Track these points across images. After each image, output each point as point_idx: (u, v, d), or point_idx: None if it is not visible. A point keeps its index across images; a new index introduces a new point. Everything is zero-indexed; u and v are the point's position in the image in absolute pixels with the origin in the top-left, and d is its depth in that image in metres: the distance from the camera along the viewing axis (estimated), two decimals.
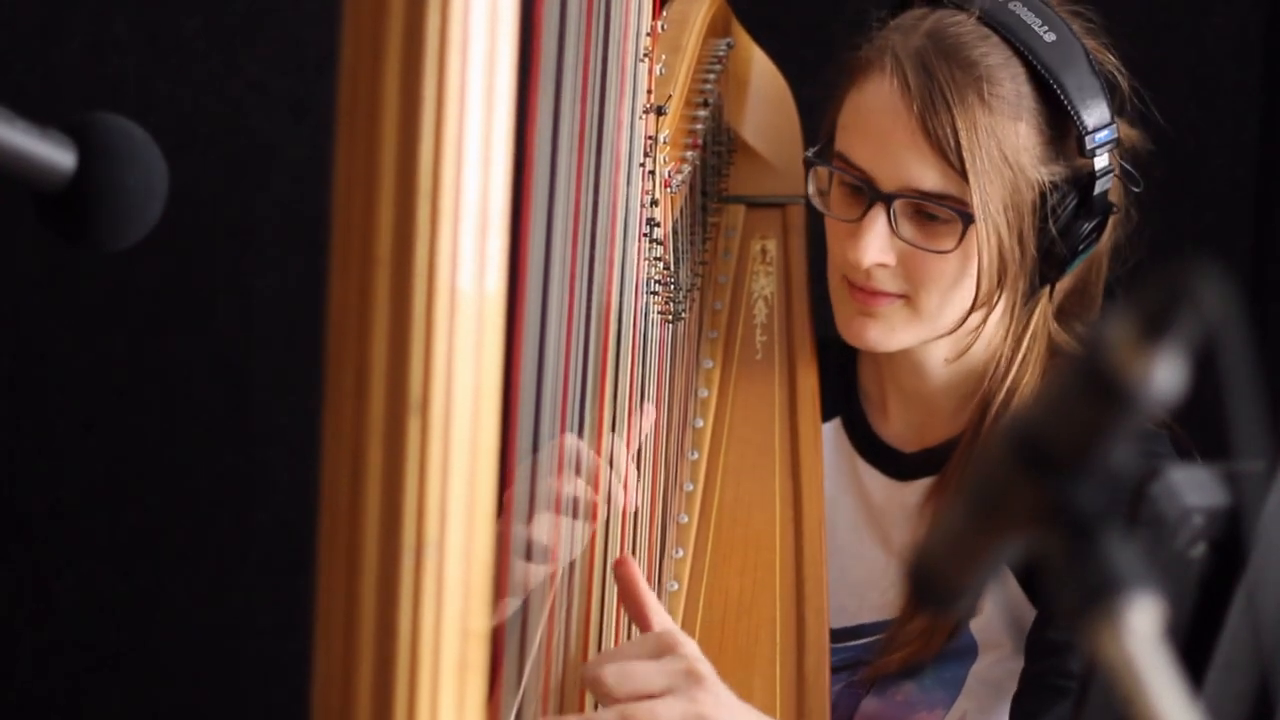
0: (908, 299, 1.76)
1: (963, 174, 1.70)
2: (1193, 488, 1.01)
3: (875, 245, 1.74)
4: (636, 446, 1.63)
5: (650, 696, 1.47)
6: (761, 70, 2.15)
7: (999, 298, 1.76)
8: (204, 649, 2.86)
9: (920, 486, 1.85)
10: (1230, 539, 1.02)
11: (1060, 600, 0.83)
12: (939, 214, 1.73)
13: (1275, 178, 2.72)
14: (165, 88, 2.77)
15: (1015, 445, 0.84)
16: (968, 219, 1.71)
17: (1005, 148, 1.71)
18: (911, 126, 1.71)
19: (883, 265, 1.75)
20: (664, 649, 1.49)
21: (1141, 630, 0.81)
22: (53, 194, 0.98)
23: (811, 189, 1.81)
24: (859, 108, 1.77)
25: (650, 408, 1.69)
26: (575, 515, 1.55)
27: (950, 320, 1.77)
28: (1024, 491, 0.84)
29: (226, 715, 2.89)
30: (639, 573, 1.55)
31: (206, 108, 2.77)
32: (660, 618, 1.54)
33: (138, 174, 1.00)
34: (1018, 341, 1.81)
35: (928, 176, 1.72)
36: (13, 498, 2.83)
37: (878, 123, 1.74)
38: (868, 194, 1.74)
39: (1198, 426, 1.71)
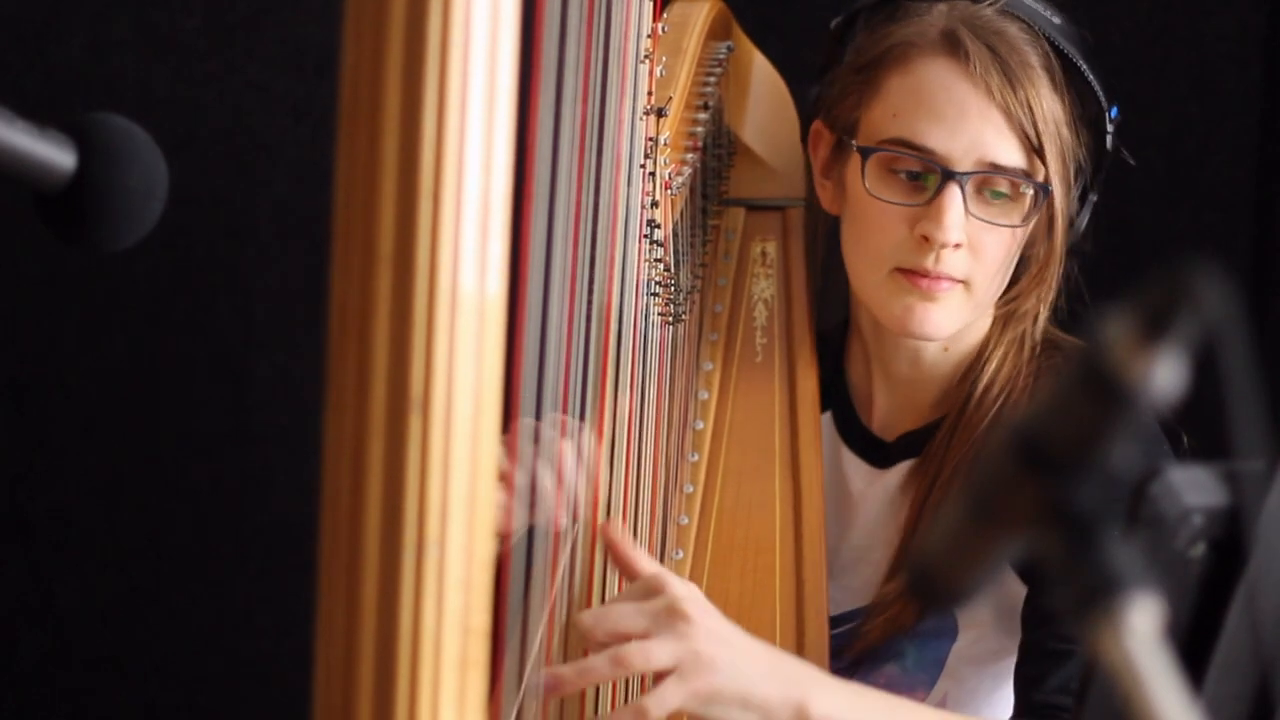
0: (966, 282, 1.76)
1: (1038, 147, 1.73)
2: (1193, 488, 1.01)
3: (958, 224, 1.73)
4: (609, 433, 1.59)
5: (631, 636, 1.45)
6: (762, 74, 2.15)
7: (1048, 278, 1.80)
8: (204, 649, 2.86)
9: (900, 471, 1.86)
10: (1230, 539, 1.02)
11: (1060, 600, 0.83)
12: (1005, 190, 1.74)
13: (1275, 178, 2.72)
14: (165, 88, 2.77)
15: (1015, 445, 0.84)
16: (1042, 190, 1.74)
17: (1057, 121, 1.75)
18: (984, 102, 1.73)
19: (956, 246, 1.74)
20: (649, 591, 1.48)
21: (1141, 630, 0.81)
22: (53, 194, 0.98)
23: (868, 181, 1.77)
24: (917, 90, 1.75)
25: (626, 394, 1.66)
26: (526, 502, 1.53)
27: (990, 301, 1.79)
28: (1024, 491, 0.84)
29: (226, 715, 2.89)
30: (623, 533, 1.54)
31: (206, 108, 2.77)
32: (648, 565, 1.53)
33: (138, 174, 1.00)
34: (1002, 327, 1.82)
35: (1003, 150, 1.73)
36: (13, 498, 2.83)
37: (945, 99, 1.74)
38: (939, 173, 1.73)
39: (1198, 426, 1.71)
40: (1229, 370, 0.78)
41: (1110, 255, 1.88)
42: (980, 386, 1.81)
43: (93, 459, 2.83)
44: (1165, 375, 0.80)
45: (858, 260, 1.81)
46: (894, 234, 1.76)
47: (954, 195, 1.73)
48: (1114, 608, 0.81)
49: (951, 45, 1.74)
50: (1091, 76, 1.77)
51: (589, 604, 1.56)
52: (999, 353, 1.82)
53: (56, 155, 0.97)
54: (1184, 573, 1.02)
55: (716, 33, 2.00)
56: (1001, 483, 0.85)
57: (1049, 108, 1.74)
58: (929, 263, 1.74)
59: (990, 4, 1.77)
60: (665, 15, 1.76)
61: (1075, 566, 0.83)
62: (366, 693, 0.88)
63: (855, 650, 1.79)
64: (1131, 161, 1.84)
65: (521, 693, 1.44)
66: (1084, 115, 1.78)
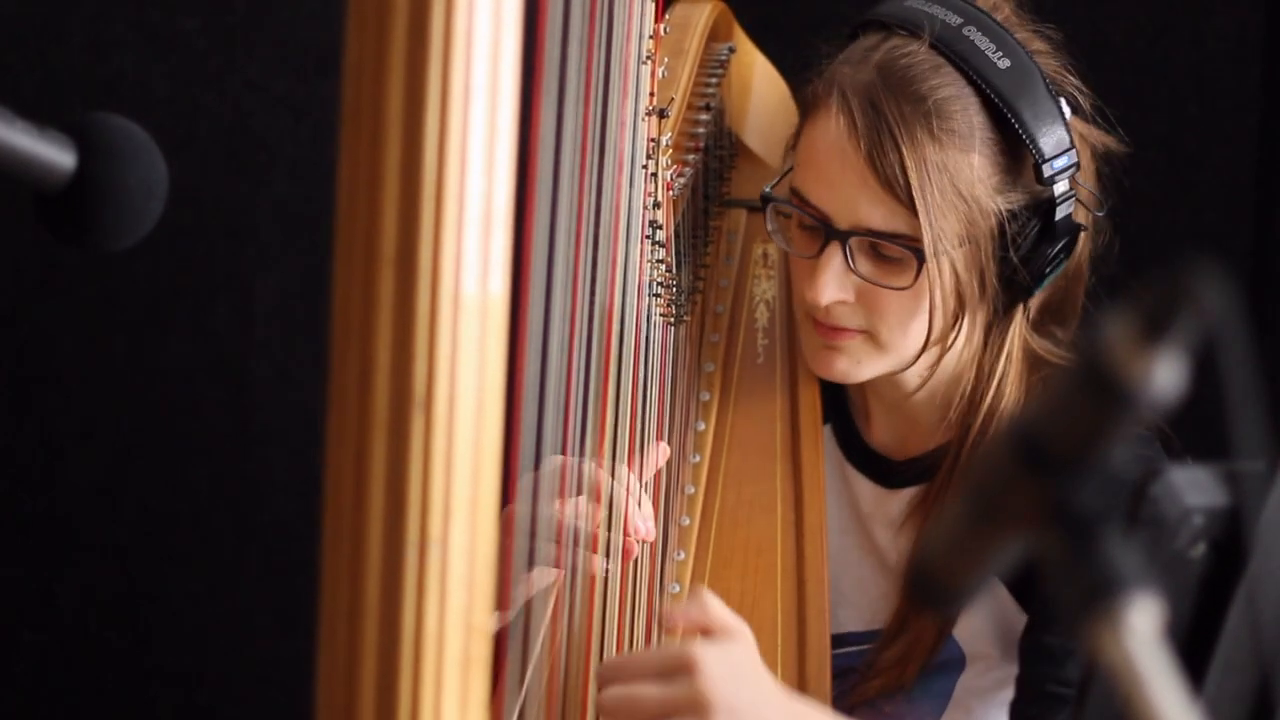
0: (868, 334, 1.75)
1: (913, 211, 1.68)
2: (1193, 488, 1.01)
3: (832, 284, 1.72)
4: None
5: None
6: (763, 75, 2.15)
7: (957, 331, 1.75)
8: (204, 649, 2.86)
9: (906, 496, 1.85)
10: (1230, 539, 1.02)
11: (1060, 600, 0.83)
12: (894, 252, 1.71)
13: (1275, 178, 2.73)
14: (165, 88, 2.77)
15: (1015, 445, 0.85)
16: (922, 255, 1.69)
17: (959, 181, 1.69)
18: (860, 166, 1.69)
19: (841, 302, 1.73)
20: (677, 669, 1.45)
21: (1141, 630, 0.81)
22: (53, 194, 0.98)
23: (770, 226, 1.80)
24: (812, 145, 1.75)
25: (664, 446, 1.69)
26: (580, 544, 1.54)
27: (913, 352, 1.76)
28: (1024, 491, 0.84)
29: (226, 715, 2.89)
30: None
31: (206, 108, 2.78)
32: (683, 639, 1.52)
33: (138, 174, 1.00)
34: (995, 356, 1.79)
35: (878, 215, 1.70)
36: (13, 498, 2.83)
37: (828, 161, 1.72)
38: (824, 231, 1.73)
39: (1198, 426, 1.71)
40: (1229, 370, 0.78)
41: (1110, 255, 1.87)
42: (980, 418, 1.80)
43: (93, 459, 2.83)
44: (1165, 375, 0.80)
45: (792, 298, 1.83)
46: (800, 282, 1.78)
47: (833, 255, 1.72)
48: (1114, 608, 0.81)
49: (844, 107, 1.71)
50: (1024, 126, 1.70)
51: (590, 612, 1.56)
52: (995, 384, 1.80)
53: (56, 155, 0.97)
54: (1184, 573, 1.02)
55: (718, 34, 2.00)
56: (1001, 483, 0.86)
57: (938, 169, 1.68)
58: (820, 315, 1.75)
59: (924, 46, 1.71)
60: (667, 17, 1.76)
61: (1075, 567, 0.83)
62: (369, 691, 0.88)
63: (851, 704, 1.79)
64: (1099, 212, 1.80)
65: (524, 692, 1.44)
66: (1021, 164, 1.72)
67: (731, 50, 2.03)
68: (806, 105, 1.78)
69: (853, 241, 1.71)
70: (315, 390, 0.89)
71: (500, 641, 1.46)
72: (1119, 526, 0.83)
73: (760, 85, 2.14)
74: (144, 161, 1.01)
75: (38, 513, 2.84)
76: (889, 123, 1.69)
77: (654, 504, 1.70)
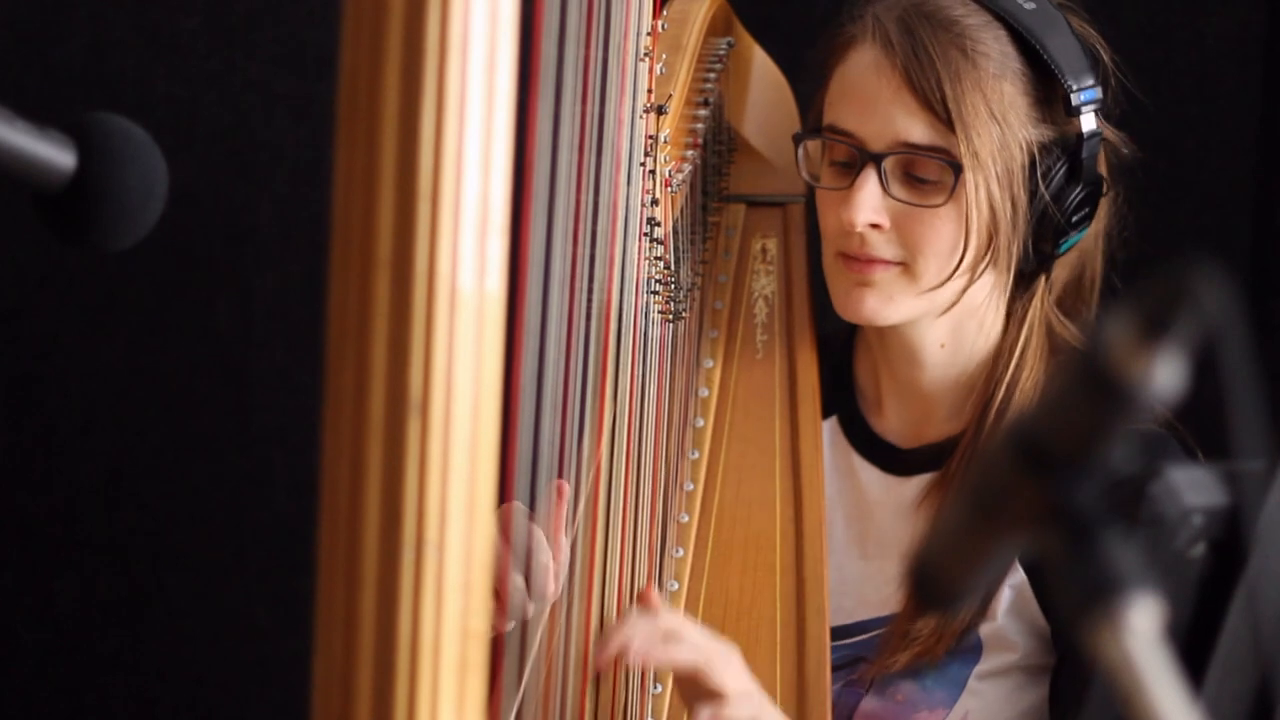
0: (904, 266, 1.76)
1: (949, 123, 1.72)
2: (1193, 488, 1.01)
3: (868, 204, 1.75)
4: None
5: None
6: (762, 69, 2.15)
7: (987, 261, 1.76)
8: (204, 649, 2.86)
9: (919, 482, 1.85)
10: (1230, 539, 1.02)
11: (1060, 600, 0.83)
12: (929, 174, 1.74)
13: (1275, 178, 2.72)
14: (165, 88, 2.77)
15: (1015, 445, 0.84)
16: (958, 169, 1.73)
17: (991, 103, 1.74)
18: (896, 82, 1.74)
19: (876, 226, 1.76)
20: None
21: (1141, 630, 0.81)
22: (53, 194, 0.98)
23: (804, 170, 1.84)
24: (845, 76, 1.80)
25: (564, 484, 1.52)
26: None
27: (949, 292, 1.77)
28: (1024, 491, 0.84)
29: (226, 715, 2.89)
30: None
31: (206, 108, 2.77)
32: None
33: (138, 174, 1.00)
34: (1017, 333, 1.81)
35: (915, 129, 1.74)
36: (13, 498, 2.83)
37: (863, 84, 1.77)
38: (859, 158, 1.76)
39: (1198, 426, 1.71)
40: (1229, 370, 0.78)
41: (1109, 255, 1.87)
42: (999, 397, 1.80)
43: (93, 459, 2.82)
44: (1165, 375, 0.80)
45: (823, 247, 1.85)
46: (831, 219, 1.80)
47: (868, 176, 1.75)
48: (1114, 608, 0.81)
49: (878, 33, 1.76)
50: (1052, 58, 1.75)
51: (588, 613, 1.56)
52: (1015, 363, 1.81)
53: (56, 155, 0.97)
54: (1184, 573, 1.02)
55: (717, 29, 2.00)
56: (1002, 483, 0.85)
57: (973, 86, 1.73)
58: (855, 246, 1.77)
59: None
60: (665, 12, 1.76)
61: (1075, 567, 0.83)
62: (365, 695, 0.88)
63: (875, 675, 1.78)
64: (1126, 150, 1.83)
65: (520, 695, 1.44)
66: (1050, 98, 1.77)
67: (730, 44, 2.03)
68: (837, 47, 1.81)
69: (888, 163, 1.75)
70: (315, 390, 0.89)
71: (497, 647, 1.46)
72: (1119, 526, 0.83)
73: (759, 79, 2.14)
74: (144, 161, 1.01)
75: (38, 513, 2.84)
76: (923, 41, 1.74)
77: (652, 497, 1.71)
